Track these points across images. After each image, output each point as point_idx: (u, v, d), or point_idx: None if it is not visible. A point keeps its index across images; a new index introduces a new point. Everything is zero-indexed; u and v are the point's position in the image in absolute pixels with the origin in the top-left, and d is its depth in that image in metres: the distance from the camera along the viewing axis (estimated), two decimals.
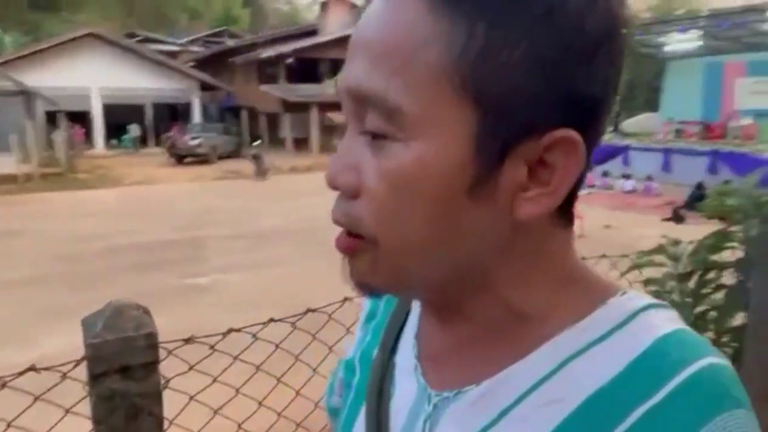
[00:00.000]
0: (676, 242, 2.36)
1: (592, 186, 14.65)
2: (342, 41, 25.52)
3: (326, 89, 24.39)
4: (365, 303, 0.62)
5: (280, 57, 24.68)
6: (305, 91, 23.47)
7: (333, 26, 26.78)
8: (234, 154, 23.64)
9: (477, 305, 0.46)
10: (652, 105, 25.27)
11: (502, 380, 0.45)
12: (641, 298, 0.46)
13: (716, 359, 0.41)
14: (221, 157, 22.90)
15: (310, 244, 9.54)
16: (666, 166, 14.85)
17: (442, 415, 0.47)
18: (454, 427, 0.47)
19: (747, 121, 16.03)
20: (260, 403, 1.63)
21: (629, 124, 20.58)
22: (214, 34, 39.41)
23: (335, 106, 24.83)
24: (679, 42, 18.03)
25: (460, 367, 0.48)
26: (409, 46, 0.39)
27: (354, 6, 29.21)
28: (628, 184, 14.62)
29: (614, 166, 16.08)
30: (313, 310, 1.68)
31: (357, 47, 0.42)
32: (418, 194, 0.40)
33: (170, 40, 36.53)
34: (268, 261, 8.53)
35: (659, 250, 2.35)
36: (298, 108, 23.02)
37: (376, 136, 0.41)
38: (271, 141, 25.55)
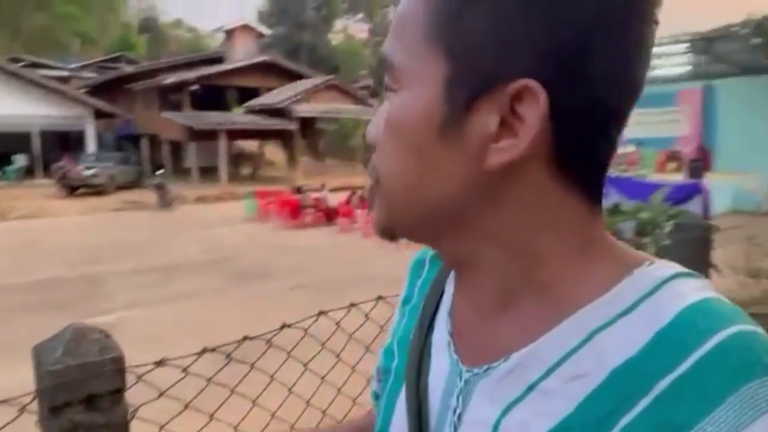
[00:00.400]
0: None
1: None
2: (249, 69, 25.26)
3: (234, 117, 23.90)
4: (404, 291, 0.66)
5: (184, 84, 23.90)
6: (212, 118, 22.83)
7: (239, 54, 26.45)
8: (134, 184, 22.37)
9: (486, 259, 0.48)
10: None
11: (529, 354, 0.46)
12: (669, 267, 0.45)
13: (746, 326, 0.40)
14: (120, 188, 21.60)
15: (222, 276, 9.19)
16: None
17: (473, 391, 0.49)
18: (484, 402, 0.48)
19: (630, 148, 17.55)
20: None
21: None
22: (109, 60, 37.52)
23: (244, 134, 24.50)
24: None
25: (490, 342, 0.49)
26: (408, 16, 0.46)
27: (261, 35, 29.14)
28: None
29: None
30: (251, 338, 1.59)
31: (395, 17, 0.48)
32: (400, 135, 0.46)
33: (60, 65, 34.30)
34: (177, 295, 8.08)
35: None
36: (205, 136, 22.31)
37: (388, 92, 0.48)
38: (175, 170, 24.51)
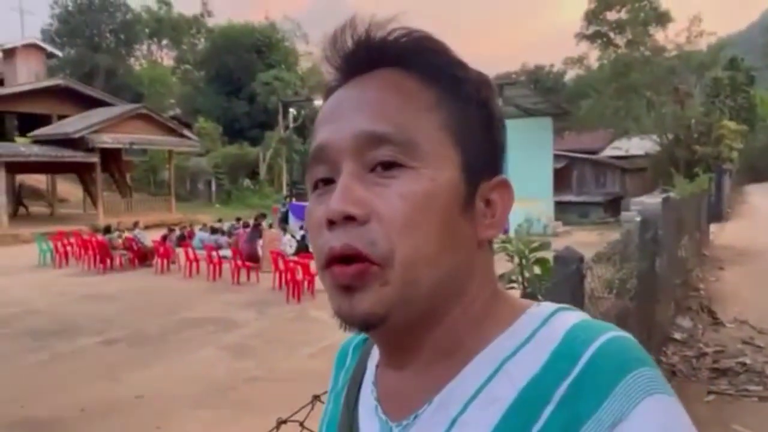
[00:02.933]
0: None
1: None
2: (37, 93, 22.19)
3: (17, 147, 20.69)
4: (330, 382, 0.71)
5: None
6: None
7: (22, 76, 23.17)
8: None
9: (445, 321, 0.54)
10: None
11: (448, 392, 0.53)
12: (552, 305, 0.56)
13: (618, 333, 0.50)
14: None
15: (10, 338, 7.73)
16: None
17: None
18: None
19: None
20: None
21: None
22: None
23: (31, 167, 21.30)
24: None
25: (415, 393, 0.55)
26: (416, 104, 0.54)
27: (51, 55, 25.87)
28: None
29: None
30: None
31: (354, 106, 0.54)
32: (431, 209, 0.51)
33: None
34: None
35: None
36: None
37: (389, 167, 0.51)
38: None
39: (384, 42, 0.55)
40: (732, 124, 22.49)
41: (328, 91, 0.59)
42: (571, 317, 0.53)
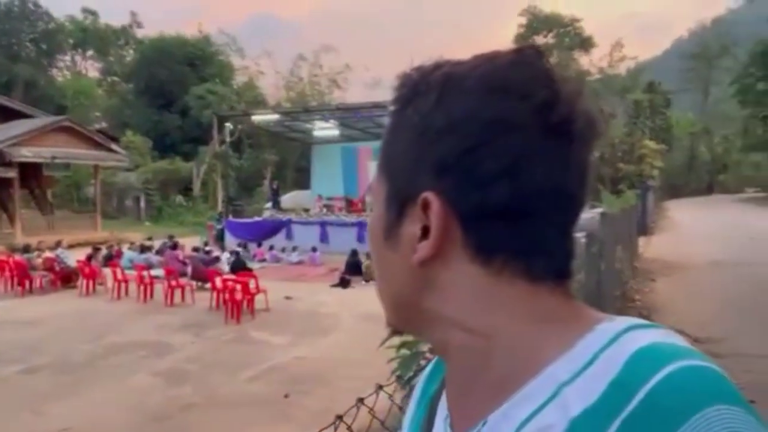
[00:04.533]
0: None
1: (264, 260, 15.02)
2: None
3: None
4: (417, 387, 0.71)
5: None
6: None
7: None
8: None
9: (453, 341, 0.53)
10: (300, 183, 27.90)
11: (504, 413, 0.50)
12: (626, 320, 0.49)
13: (691, 362, 0.42)
14: None
15: None
16: (324, 238, 16.35)
17: None
18: None
19: None
20: None
21: (285, 199, 22.12)
22: None
23: None
24: (322, 129, 20.77)
25: (473, 411, 0.54)
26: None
27: None
28: (294, 256, 15.49)
29: (279, 240, 16.92)
30: None
31: None
32: (370, 243, 0.57)
33: None
34: None
35: None
36: None
37: None
38: None
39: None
40: (652, 144, 23.92)
41: None
42: (643, 337, 0.46)
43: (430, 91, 0.52)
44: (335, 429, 1.54)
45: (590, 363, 0.46)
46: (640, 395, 0.41)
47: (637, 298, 8.01)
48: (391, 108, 0.55)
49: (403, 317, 0.57)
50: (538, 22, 30.22)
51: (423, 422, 0.65)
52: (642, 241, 13.80)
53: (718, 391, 0.41)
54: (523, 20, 30.99)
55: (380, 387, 1.89)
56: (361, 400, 1.68)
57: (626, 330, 0.47)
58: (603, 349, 0.46)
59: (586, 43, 29.47)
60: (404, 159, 0.53)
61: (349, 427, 1.59)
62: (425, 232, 0.51)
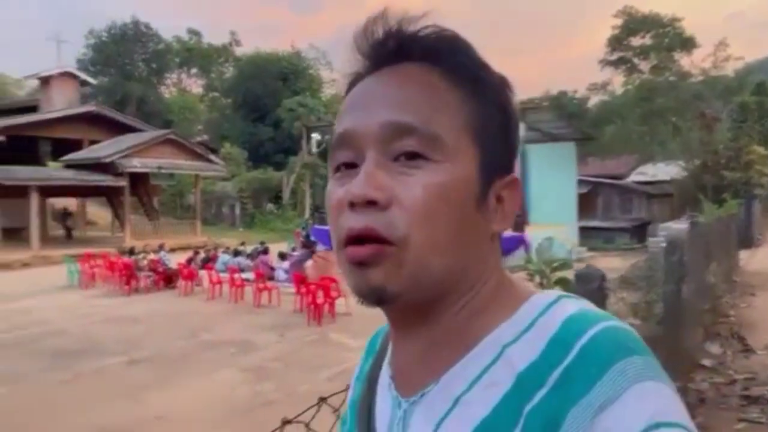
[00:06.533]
0: None
1: None
2: (70, 120, 22.93)
3: (49, 172, 21.30)
4: (357, 369, 0.75)
5: None
6: (22, 173, 20.06)
7: (57, 103, 23.95)
8: None
9: (455, 305, 0.57)
10: None
11: (455, 373, 0.56)
12: (555, 292, 0.58)
13: (613, 323, 0.52)
14: None
15: (37, 357, 7.85)
16: None
17: (412, 416, 0.58)
18: (420, 422, 0.57)
19: None
20: None
21: None
22: None
23: (62, 191, 21.84)
24: None
25: (424, 373, 0.58)
26: (442, 99, 0.56)
27: (85, 83, 26.76)
28: None
29: None
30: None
31: (382, 97, 0.56)
32: (449, 201, 0.54)
33: None
34: None
35: None
36: (12, 193, 19.48)
37: (413, 157, 0.54)
38: None
39: (414, 36, 0.58)
40: (761, 150, 22.04)
41: (354, 79, 0.61)
42: (571, 306, 0.55)
43: (505, 86, 0.60)
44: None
45: (529, 327, 0.54)
46: (576, 349, 0.50)
47: (731, 314, 7.44)
48: (482, 74, 0.59)
49: (445, 280, 0.55)
50: (634, 23, 28.92)
51: (362, 394, 0.68)
52: (745, 253, 12.77)
53: (633, 345, 0.50)
54: (618, 21, 29.77)
55: None
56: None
57: (557, 299, 0.56)
58: (540, 314, 0.55)
59: (687, 43, 27.73)
60: (496, 135, 0.58)
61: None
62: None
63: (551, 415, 0.48)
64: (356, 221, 0.53)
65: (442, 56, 0.57)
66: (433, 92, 0.56)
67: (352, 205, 0.53)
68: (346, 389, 1.66)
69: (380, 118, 0.55)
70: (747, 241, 14.48)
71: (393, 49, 0.58)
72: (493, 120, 0.58)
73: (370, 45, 0.59)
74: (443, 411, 0.55)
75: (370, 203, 0.53)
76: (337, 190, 0.56)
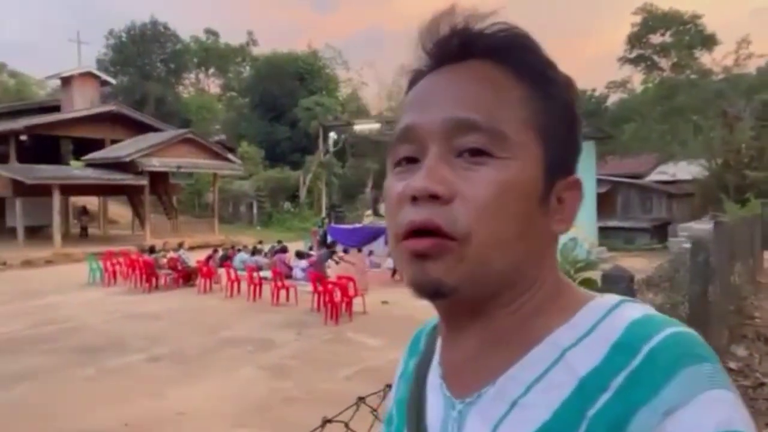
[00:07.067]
0: None
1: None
2: (91, 119, 23.25)
3: (71, 171, 21.63)
4: (398, 367, 0.75)
5: (11, 133, 21.24)
6: (45, 172, 20.37)
7: (78, 103, 24.29)
8: None
9: (512, 304, 0.57)
10: None
11: (512, 375, 0.56)
12: (615, 297, 0.58)
13: (679, 328, 0.51)
14: None
15: (61, 352, 7.98)
16: None
17: (467, 417, 0.58)
18: (476, 423, 0.57)
19: None
20: None
21: (383, 207, 22.54)
22: None
23: (83, 189, 22.18)
24: None
25: (478, 373, 0.58)
26: (507, 97, 0.56)
27: (105, 83, 27.10)
28: (391, 262, 15.74)
29: (378, 246, 17.31)
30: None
31: (447, 93, 0.57)
32: (513, 199, 0.54)
33: None
34: (6, 379, 6.81)
35: None
36: (35, 191, 19.83)
37: (477, 153, 0.54)
38: None
39: (481, 34, 0.58)
40: None
41: (415, 76, 0.61)
42: (634, 311, 0.54)
43: (571, 87, 0.60)
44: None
45: (591, 330, 0.54)
46: (642, 353, 0.49)
47: (756, 316, 7.32)
48: (549, 72, 0.58)
49: (504, 277, 0.55)
50: (654, 20, 28.53)
51: (410, 393, 0.67)
52: None
53: (702, 352, 0.50)
54: (638, 19, 29.39)
55: None
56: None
57: (618, 304, 0.56)
58: (601, 319, 0.55)
59: (708, 41, 27.25)
60: (561, 134, 0.57)
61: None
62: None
63: (615, 420, 0.48)
64: (417, 214, 0.53)
65: (510, 54, 0.57)
66: (499, 89, 0.56)
67: (414, 198, 0.53)
68: (383, 390, 1.66)
69: (445, 113, 0.55)
70: None
71: (458, 46, 0.58)
72: (558, 119, 0.58)
73: (434, 42, 0.59)
74: (500, 413, 0.55)
75: (433, 197, 0.53)
76: (397, 185, 0.56)
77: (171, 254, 14.07)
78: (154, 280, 13.13)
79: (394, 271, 13.72)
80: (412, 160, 0.57)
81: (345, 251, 16.42)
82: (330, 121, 25.96)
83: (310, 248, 17.29)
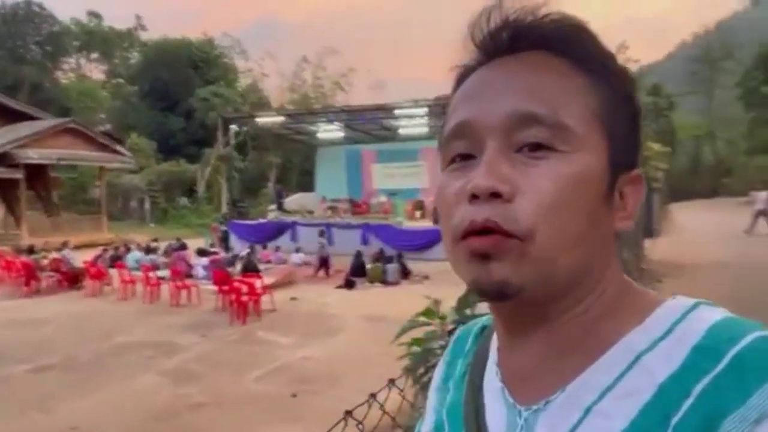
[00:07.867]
0: (437, 302, 2.48)
1: (269, 261, 15.04)
2: None
3: None
4: (436, 373, 0.71)
5: None
6: None
7: None
8: None
9: (579, 305, 0.54)
10: (304, 185, 27.94)
11: (584, 381, 0.52)
12: (690, 299, 0.54)
13: (765, 333, 0.48)
14: None
15: None
16: (328, 239, 16.35)
17: (535, 425, 0.54)
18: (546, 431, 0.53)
19: (383, 198, 19.19)
20: None
21: (289, 202, 22.17)
22: None
23: None
24: (326, 131, 20.85)
25: (546, 379, 0.55)
26: (569, 88, 0.53)
27: None
28: (297, 258, 15.48)
29: (284, 241, 16.96)
30: None
31: (505, 86, 0.54)
32: (578, 194, 0.51)
33: None
34: None
35: (428, 312, 2.43)
36: None
37: (537, 148, 0.51)
38: None
39: (536, 24, 0.56)
40: (657, 146, 23.82)
41: (465, 71, 0.59)
42: (713, 313, 0.52)
43: (630, 78, 0.58)
44: (345, 425, 1.54)
45: (667, 333, 0.51)
46: (728, 357, 0.46)
47: None
48: (609, 63, 0.57)
49: (572, 276, 0.53)
50: None
51: (465, 398, 0.63)
52: (647, 243, 13.77)
53: None
54: None
55: (392, 381, 1.90)
56: (373, 396, 1.68)
57: (695, 306, 0.53)
58: (678, 321, 0.52)
59: None
60: (625, 126, 0.55)
61: (360, 423, 1.59)
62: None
63: (701, 428, 0.45)
64: (478, 213, 0.51)
65: (567, 44, 0.55)
66: (560, 80, 0.54)
67: (474, 197, 0.51)
68: (369, 399, 1.56)
69: (505, 107, 0.53)
70: (648, 232, 15.60)
71: (512, 38, 0.56)
72: (622, 111, 0.56)
73: (486, 34, 0.57)
74: (573, 421, 0.52)
75: (494, 195, 0.50)
76: (452, 183, 0.54)
77: (54, 254, 12.89)
78: (34, 283, 11.96)
79: (318, 267, 13.53)
80: (466, 157, 0.55)
81: (251, 248, 15.93)
82: (230, 113, 25.01)
83: (212, 245, 16.60)
